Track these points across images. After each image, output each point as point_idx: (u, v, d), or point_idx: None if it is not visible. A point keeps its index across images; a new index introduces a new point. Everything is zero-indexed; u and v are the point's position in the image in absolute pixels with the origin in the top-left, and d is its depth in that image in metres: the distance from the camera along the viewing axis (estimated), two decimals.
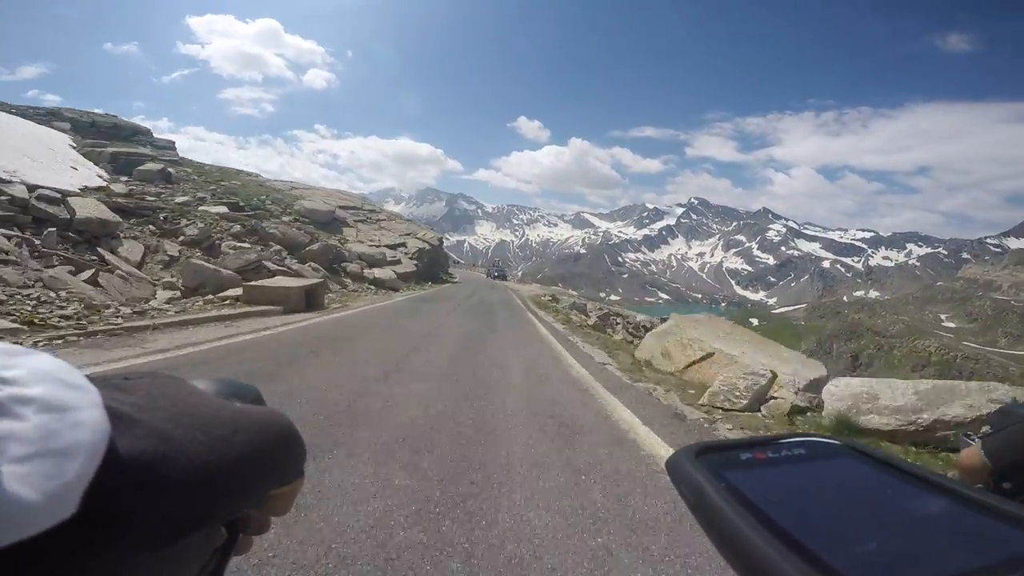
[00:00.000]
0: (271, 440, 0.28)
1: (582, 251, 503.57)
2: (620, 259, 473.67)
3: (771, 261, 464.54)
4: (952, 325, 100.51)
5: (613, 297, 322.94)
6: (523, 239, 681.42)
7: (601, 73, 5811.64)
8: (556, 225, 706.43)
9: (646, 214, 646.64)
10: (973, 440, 1.02)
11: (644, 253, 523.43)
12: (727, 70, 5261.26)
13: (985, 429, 1.16)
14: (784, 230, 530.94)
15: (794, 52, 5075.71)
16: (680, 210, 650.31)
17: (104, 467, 0.19)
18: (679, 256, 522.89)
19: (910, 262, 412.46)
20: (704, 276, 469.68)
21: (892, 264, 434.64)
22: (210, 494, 0.23)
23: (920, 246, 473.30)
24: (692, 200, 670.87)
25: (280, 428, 0.29)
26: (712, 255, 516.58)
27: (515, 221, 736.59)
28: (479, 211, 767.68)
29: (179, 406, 0.24)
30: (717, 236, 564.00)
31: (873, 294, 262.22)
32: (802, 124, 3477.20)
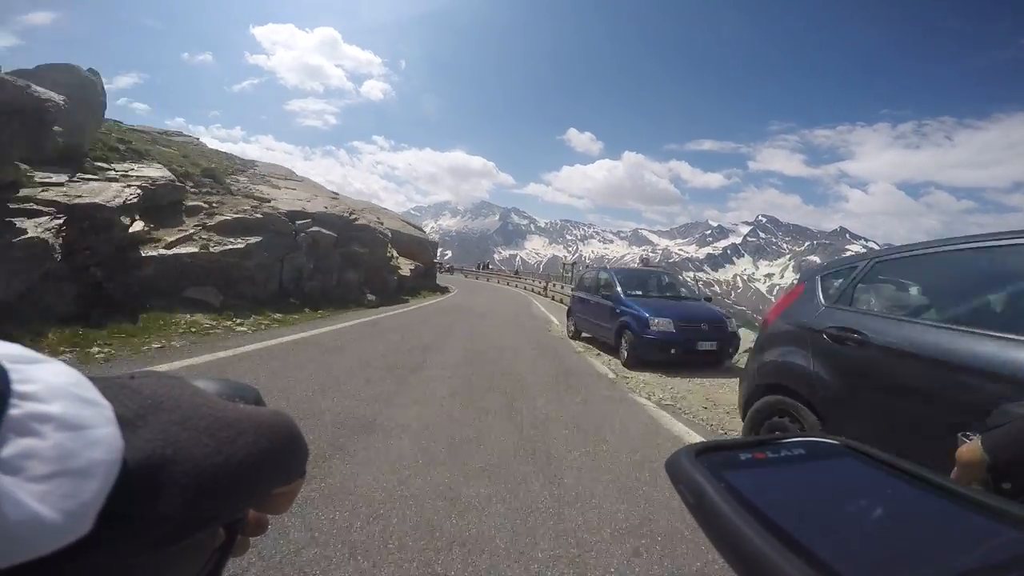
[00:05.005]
0: (275, 441, 0.28)
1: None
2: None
3: None
4: None
5: None
6: (576, 255, 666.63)
7: (654, 83, 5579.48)
8: (612, 242, 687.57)
9: (709, 232, 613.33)
10: (972, 436, 1.05)
11: (707, 272, 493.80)
12: (790, 78, 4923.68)
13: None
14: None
15: (864, 59, 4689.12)
16: (746, 228, 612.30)
17: None
18: (745, 276, 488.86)
19: None
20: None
21: None
22: (215, 496, 0.23)
23: None
24: (760, 217, 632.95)
25: (284, 429, 0.30)
26: (782, 276, 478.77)
27: (568, 237, 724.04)
28: (531, 225, 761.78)
29: (184, 408, 0.24)
30: (787, 256, 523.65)
31: None
32: (876, 136, 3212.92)
